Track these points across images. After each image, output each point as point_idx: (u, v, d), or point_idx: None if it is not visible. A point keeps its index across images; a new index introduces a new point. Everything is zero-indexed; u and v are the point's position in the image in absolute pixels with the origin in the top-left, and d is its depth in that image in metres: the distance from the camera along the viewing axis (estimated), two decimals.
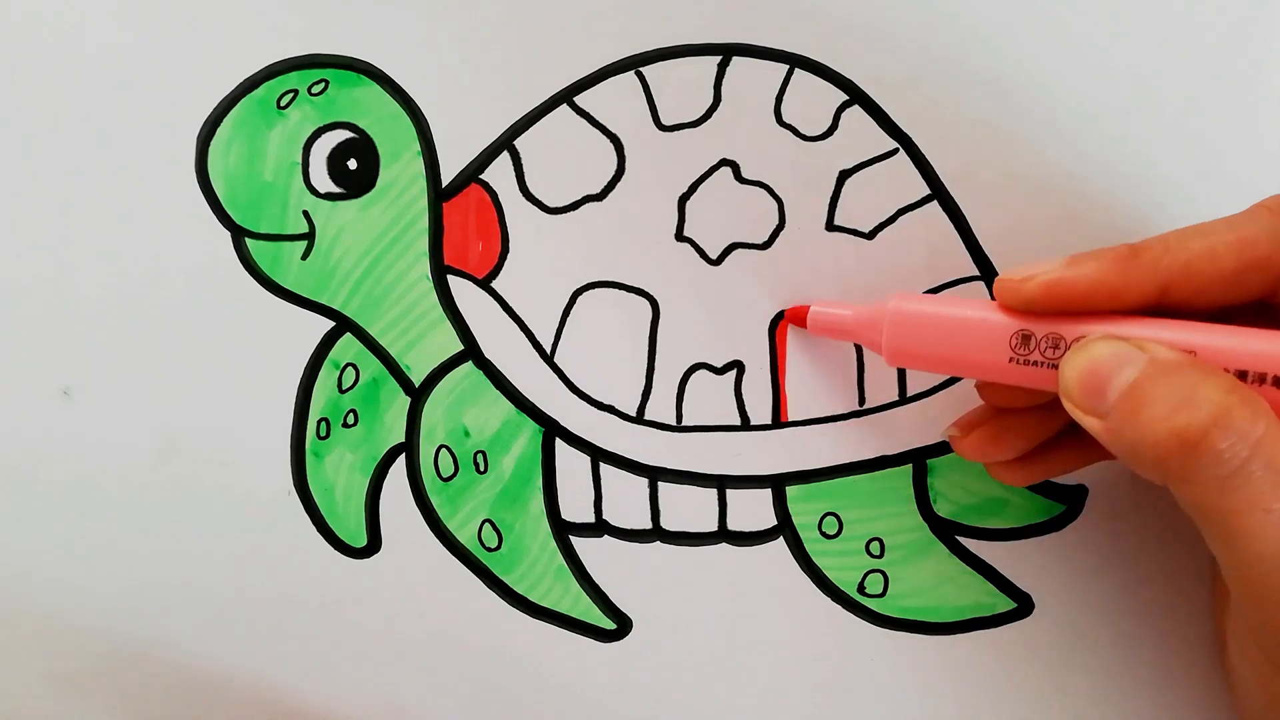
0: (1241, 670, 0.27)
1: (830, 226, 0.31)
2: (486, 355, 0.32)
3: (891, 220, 0.31)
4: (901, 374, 0.31)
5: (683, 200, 0.31)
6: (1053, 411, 0.28)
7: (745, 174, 0.31)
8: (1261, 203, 0.25)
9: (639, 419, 0.31)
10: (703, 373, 0.31)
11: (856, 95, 0.31)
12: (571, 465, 0.32)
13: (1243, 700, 0.28)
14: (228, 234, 0.31)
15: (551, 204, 0.31)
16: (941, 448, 0.31)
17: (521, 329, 0.31)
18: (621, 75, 0.31)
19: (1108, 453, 0.28)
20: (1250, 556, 0.21)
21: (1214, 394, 0.22)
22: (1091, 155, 0.30)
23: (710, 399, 0.31)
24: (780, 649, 0.32)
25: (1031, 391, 0.27)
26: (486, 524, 0.32)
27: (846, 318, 0.29)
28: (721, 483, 0.32)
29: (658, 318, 0.31)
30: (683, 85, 0.31)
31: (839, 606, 0.31)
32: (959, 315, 0.26)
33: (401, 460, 0.32)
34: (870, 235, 0.31)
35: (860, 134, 0.31)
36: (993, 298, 0.28)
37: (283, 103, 0.31)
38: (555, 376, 0.31)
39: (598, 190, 0.31)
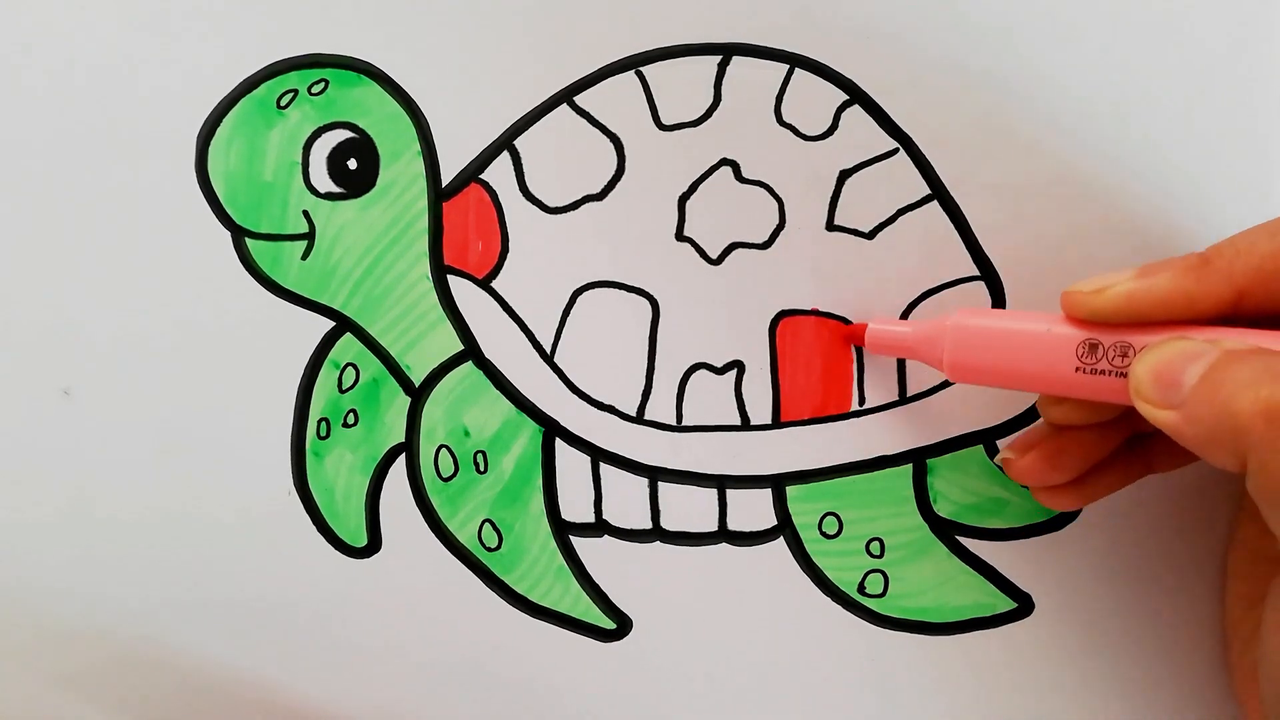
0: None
1: (830, 226, 0.31)
2: (486, 355, 0.32)
3: (891, 220, 0.31)
4: (902, 374, 0.31)
5: (683, 200, 0.31)
6: (1112, 427, 0.28)
7: (745, 174, 0.31)
8: None
9: (639, 419, 0.31)
10: (703, 373, 0.31)
11: (856, 95, 0.31)
12: (571, 465, 0.32)
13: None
14: (228, 234, 0.31)
15: (551, 204, 0.31)
16: (941, 448, 0.31)
17: (521, 329, 0.31)
18: (621, 75, 0.31)
19: (1156, 465, 0.28)
20: None
21: None
22: (1092, 155, 0.30)
23: (710, 399, 0.31)
24: (780, 649, 0.32)
25: (1095, 406, 0.27)
26: (486, 524, 0.32)
27: (906, 335, 0.29)
28: (721, 483, 0.32)
29: (658, 318, 0.31)
30: (683, 85, 0.31)
31: (839, 607, 0.31)
32: (1023, 329, 0.26)
33: (401, 460, 0.32)
34: (870, 235, 0.31)
35: (860, 134, 0.31)
36: (994, 299, 0.28)
37: (283, 103, 0.31)
38: (555, 376, 0.31)
39: (598, 190, 0.31)
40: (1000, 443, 0.31)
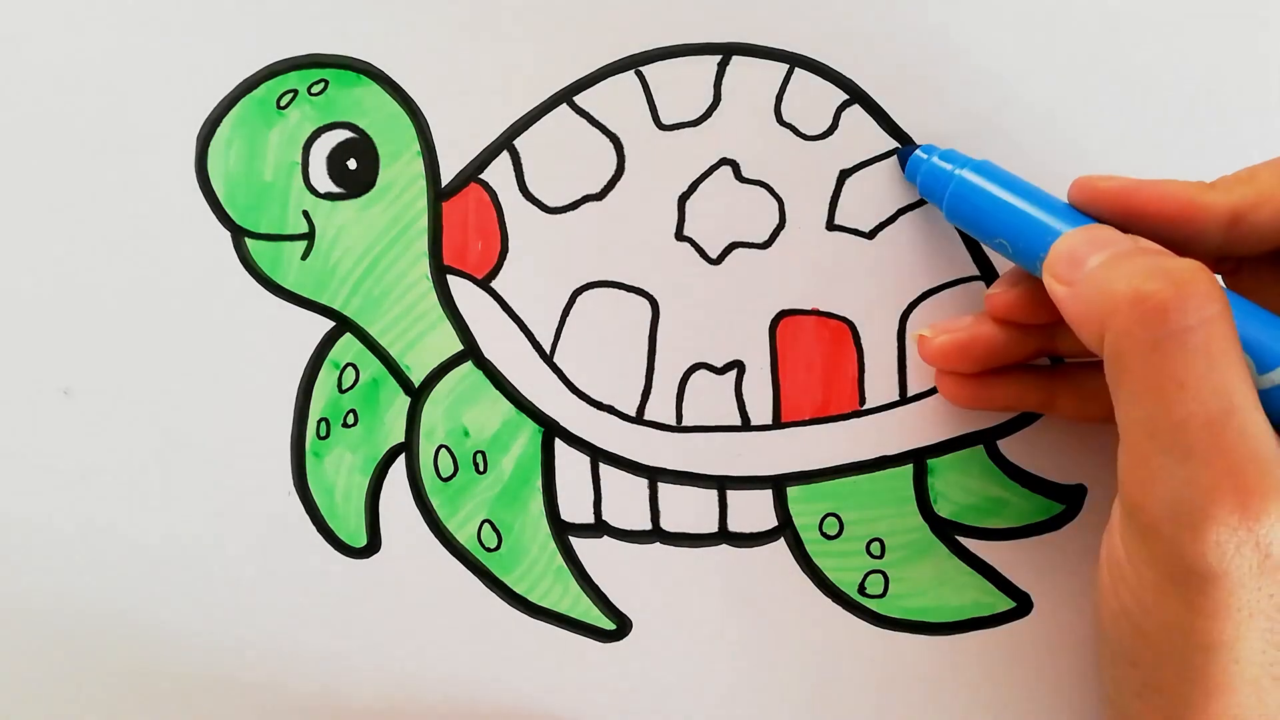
0: (1118, 590, 0.25)
1: (830, 226, 0.31)
2: (486, 355, 0.32)
3: (891, 220, 0.31)
4: (902, 374, 0.31)
5: (683, 200, 0.31)
6: (1031, 335, 0.28)
7: (745, 173, 0.31)
8: None
9: (639, 419, 0.31)
10: (703, 372, 0.31)
11: (856, 95, 0.31)
12: (571, 465, 0.32)
13: (1119, 636, 0.26)
14: (228, 234, 0.31)
15: (551, 204, 0.31)
16: (941, 448, 0.31)
17: (521, 329, 0.31)
18: (621, 75, 0.31)
19: (1057, 403, 0.29)
20: (1160, 416, 0.22)
21: (1182, 267, 0.22)
22: (1092, 155, 0.30)
23: (710, 399, 0.31)
24: (780, 650, 0.31)
25: (1038, 305, 0.27)
26: (486, 524, 0.32)
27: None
28: (722, 483, 0.32)
29: (658, 317, 0.31)
30: (682, 85, 0.31)
31: (839, 607, 0.31)
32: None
33: (401, 460, 0.32)
34: (870, 235, 0.31)
35: (860, 134, 0.31)
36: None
37: (282, 103, 0.31)
38: (555, 376, 0.31)
39: (597, 190, 0.31)
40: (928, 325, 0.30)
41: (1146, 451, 0.22)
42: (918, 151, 0.30)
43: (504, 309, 0.31)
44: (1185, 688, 0.23)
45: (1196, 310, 0.22)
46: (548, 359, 0.31)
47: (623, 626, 0.32)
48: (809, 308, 0.31)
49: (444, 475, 0.32)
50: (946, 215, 0.29)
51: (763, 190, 0.31)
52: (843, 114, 0.31)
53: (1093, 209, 0.26)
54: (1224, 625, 0.22)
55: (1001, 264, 0.31)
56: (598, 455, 0.32)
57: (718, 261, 0.31)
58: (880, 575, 0.31)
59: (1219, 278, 0.23)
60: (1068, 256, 0.25)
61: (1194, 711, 0.23)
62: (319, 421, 0.31)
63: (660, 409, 0.31)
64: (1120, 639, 0.25)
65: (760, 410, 0.31)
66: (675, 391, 0.31)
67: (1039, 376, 0.29)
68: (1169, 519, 0.22)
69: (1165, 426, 0.22)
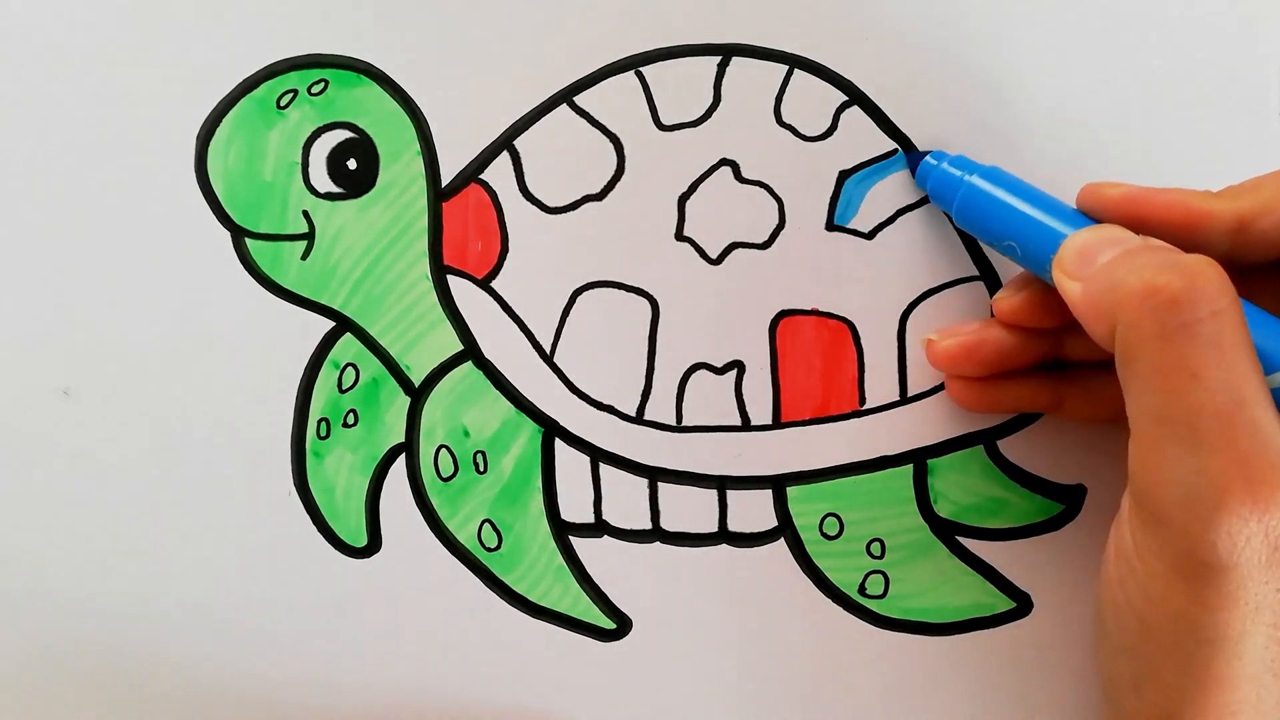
0: (1124, 581, 0.25)
1: (830, 226, 0.31)
2: (486, 355, 0.32)
3: (891, 220, 0.31)
4: (902, 374, 0.31)
5: (683, 200, 0.31)
6: (1039, 340, 0.29)
7: (745, 174, 0.31)
8: None
9: (639, 419, 0.31)
10: (703, 373, 0.31)
11: (856, 95, 0.31)
12: (571, 465, 0.32)
13: (1123, 626, 0.25)
14: (228, 234, 0.31)
15: (551, 204, 0.31)
16: (941, 448, 0.31)
17: (521, 329, 0.31)
18: (621, 75, 0.31)
19: (1066, 406, 0.29)
20: (1171, 406, 0.22)
21: (1193, 261, 0.22)
22: (1092, 155, 0.30)
23: (710, 399, 0.31)
24: (780, 650, 0.31)
25: (1044, 309, 0.28)
26: (486, 524, 0.32)
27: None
28: (722, 483, 0.32)
29: (658, 318, 0.31)
30: (682, 85, 0.31)
31: (839, 608, 0.31)
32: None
33: (401, 460, 0.32)
34: (870, 235, 0.31)
35: (860, 135, 0.31)
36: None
37: (282, 103, 0.31)
38: (555, 376, 0.31)
39: (598, 190, 0.31)
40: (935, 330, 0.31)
41: (1157, 440, 0.22)
42: (928, 158, 0.30)
43: (504, 309, 0.31)
44: (1184, 681, 0.23)
45: (1208, 302, 0.22)
46: (548, 359, 0.31)
47: (623, 626, 0.32)
48: (809, 308, 0.31)
49: (444, 475, 0.32)
50: (956, 220, 0.29)
51: (763, 191, 0.31)
52: (842, 115, 0.31)
53: (1100, 215, 0.26)
54: (1230, 619, 0.22)
55: (1001, 264, 0.31)
56: (598, 455, 0.32)
57: (718, 261, 0.31)
58: (880, 575, 0.31)
59: None
60: (1078, 252, 0.25)
61: (1192, 706, 0.23)
62: (319, 421, 0.31)
63: (660, 409, 0.31)
64: (1122, 632, 0.25)
65: (760, 410, 0.31)
66: (675, 391, 0.31)
67: (1046, 379, 0.29)
68: (1179, 508, 0.22)
69: (1176, 416, 0.22)
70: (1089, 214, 0.27)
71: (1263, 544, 0.21)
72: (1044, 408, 0.30)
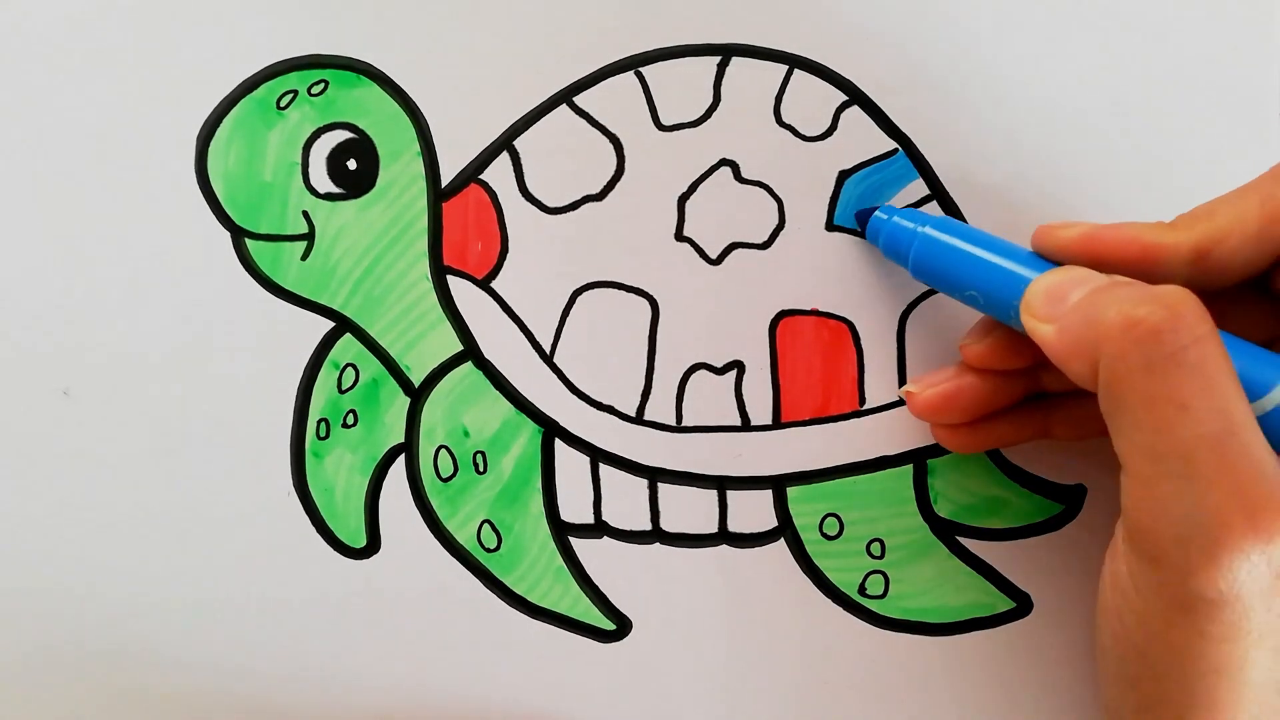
0: (1121, 613, 0.25)
1: (830, 226, 0.31)
2: (486, 355, 0.32)
3: None
4: (902, 375, 0.31)
5: (682, 200, 0.31)
6: (1015, 379, 0.29)
7: (745, 174, 0.31)
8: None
9: (639, 419, 0.31)
10: (703, 373, 0.31)
11: (856, 95, 0.31)
12: (571, 466, 0.32)
13: (1121, 653, 0.26)
14: (227, 234, 0.31)
15: (551, 204, 0.31)
16: (941, 448, 0.31)
17: (521, 329, 0.31)
18: (621, 75, 0.31)
19: (1054, 430, 0.29)
20: (1162, 439, 0.22)
21: (1170, 291, 0.22)
22: (1091, 155, 0.30)
23: (710, 399, 0.31)
24: (780, 650, 0.31)
25: (1011, 351, 0.28)
26: (486, 524, 0.32)
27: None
28: (722, 484, 0.32)
29: (658, 318, 0.31)
30: (682, 85, 0.31)
31: (839, 608, 0.31)
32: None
33: (401, 460, 0.32)
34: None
35: (860, 134, 0.31)
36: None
37: (282, 103, 0.31)
38: (555, 377, 0.31)
39: (597, 190, 0.31)
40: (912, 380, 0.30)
41: (1151, 477, 0.22)
42: (877, 213, 0.29)
43: (504, 309, 0.31)
44: (1190, 709, 0.23)
45: (1189, 330, 0.21)
46: (547, 359, 0.31)
47: (623, 626, 0.32)
48: (809, 308, 0.31)
49: (444, 475, 0.32)
50: (912, 273, 0.28)
51: (762, 191, 0.31)
52: (842, 115, 0.31)
53: (1057, 256, 0.26)
54: (1233, 649, 0.22)
55: None
56: (597, 455, 0.32)
57: (718, 262, 0.31)
58: (880, 575, 0.31)
59: None
60: (1046, 294, 0.24)
61: None
62: (319, 422, 0.31)
63: (660, 409, 0.31)
64: (1122, 660, 0.25)
65: (760, 410, 0.31)
66: (675, 392, 0.31)
67: (1032, 411, 0.29)
68: (1177, 545, 0.22)
69: (1168, 449, 0.22)
70: (1045, 256, 0.26)
71: (1265, 573, 0.21)
72: (1033, 438, 0.30)
